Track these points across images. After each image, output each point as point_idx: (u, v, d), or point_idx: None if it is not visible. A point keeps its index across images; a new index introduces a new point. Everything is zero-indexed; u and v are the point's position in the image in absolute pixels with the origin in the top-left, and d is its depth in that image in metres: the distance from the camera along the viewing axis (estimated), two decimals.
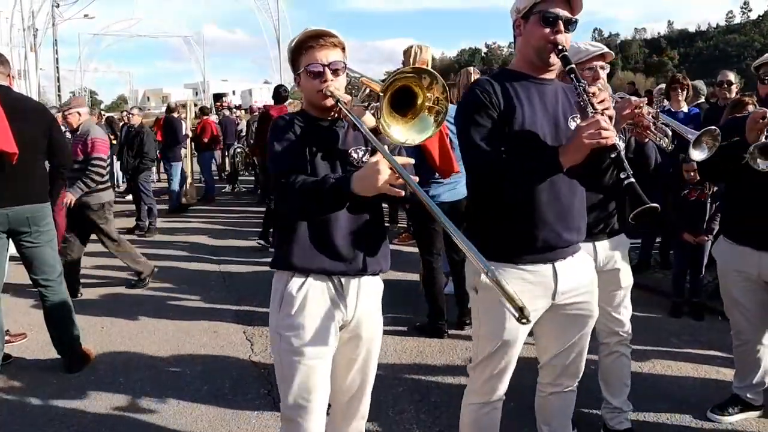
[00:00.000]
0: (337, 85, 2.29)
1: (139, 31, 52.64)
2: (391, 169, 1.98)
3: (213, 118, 15.40)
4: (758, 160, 2.75)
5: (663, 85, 7.68)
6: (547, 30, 2.32)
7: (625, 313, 3.29)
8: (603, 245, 3.13)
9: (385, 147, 2.09)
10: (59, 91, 34.58)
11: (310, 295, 2.31)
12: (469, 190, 2.63)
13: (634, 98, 2.97)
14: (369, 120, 2.26)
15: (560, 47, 2.32)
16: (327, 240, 2.30)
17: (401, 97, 2.06)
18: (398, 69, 2.12)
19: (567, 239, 2.43)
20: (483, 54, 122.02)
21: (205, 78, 53.31)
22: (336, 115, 2.36)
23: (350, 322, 2.40)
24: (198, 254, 7.97)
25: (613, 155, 2.15)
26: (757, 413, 3.54)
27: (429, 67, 3.75)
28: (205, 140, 12.22)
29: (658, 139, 2.98)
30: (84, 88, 56.01)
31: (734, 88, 6.17)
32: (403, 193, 2.04)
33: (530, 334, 2.60)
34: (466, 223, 2.61)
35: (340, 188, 2.08)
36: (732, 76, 6.23)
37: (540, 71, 2.43)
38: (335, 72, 2.30)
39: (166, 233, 9.42)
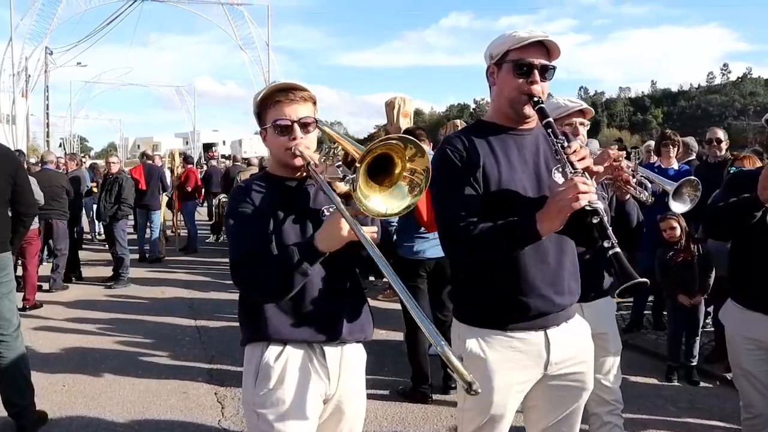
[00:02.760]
0: (307, 143, 2.17)
1: (131, 79, 52.85)
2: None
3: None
4: None
5: (651, 142, 7.63)
6: (521, 80, 2.15)
7: (615, 380, 3.09)
8: (591, 307, 2.92)
9: (343, 207, 1.97)
10: (48, 137, 34.56)
11: (290, 365, 2.11)
12: (447, 255, 2.39)
13: (612, 151, 2.83)
14: (340, 186, 2.08)
15: (536, 98, 2.15)
16: (304, 307, 2.13)
17: (379, 164, 1.90)
18: (384, 137, 1.95)
19: (559, 303, 2.22)
20: (472, 109, 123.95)
21: (195, 127, 53.65)
22: (305, 173, 2.22)
23: (333, 396, 2.20)
24: (174, 307, 7.65)
25: (595, 221, 1.95)
26: None
27: (412, 120, 3.62)
28: (189, 189, 12.04)
29: (638, 193, 2.83)
30: (74, 135, 56.12)
31: (723, 145, 6.12)
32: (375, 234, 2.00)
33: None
34: (451, 287, 2.40)
35: (308, 259, 2.00)
36: (721, 134, 6.18)
37: (517, 123, 2.25)
38: (305, 128, 2.17)
39: (144, 283, 9.10)
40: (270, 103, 2.18)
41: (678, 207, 2.98)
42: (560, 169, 2.15)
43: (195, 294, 8.42)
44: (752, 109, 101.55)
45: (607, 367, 3.05)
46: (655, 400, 4.69)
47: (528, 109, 2.18)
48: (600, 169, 2.18)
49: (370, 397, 4.44)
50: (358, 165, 1.83)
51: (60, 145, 42.76)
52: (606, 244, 1.94)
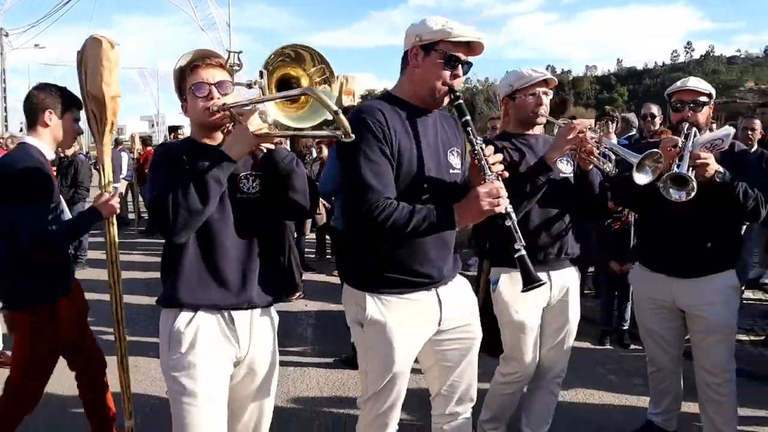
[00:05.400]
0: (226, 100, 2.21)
1: None
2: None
3: None
4: (671, 190, 2.74)
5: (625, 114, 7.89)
6: (447, 72, 2.27)
7: (566, 350, 3.24)
8: (557, 275, 3.09)
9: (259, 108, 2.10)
10: (6, 121, 33.75)
11: (200, 331, 2.20)
12: (350, 222, 2.53)
13: (577, 122, 2.96)
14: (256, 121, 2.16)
15: (456, 94, 2.30)
16: (215, 272, 2.21)
17: (286, 86, 2.13)
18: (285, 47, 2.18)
19: (447, 273, 2.43)
20: None
21: (159, 110, 52.77)
22: (226, 131, 2.25)
23: (245, 358, 2.31)
24: (132, 287, 7.70)
25: (507, 223, 2.15)
26: None
27: (355, 98, 3.73)
28: (147, 170, 11.98)
29: (602, 164, 2.96)
30: None
31: (657, 120, 6.38)
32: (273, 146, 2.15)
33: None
34: (347, 256, 2.51)
35: (219, 165, 2.08)
36: (655, 109, 6.45)
37: (429, 106, 2.38)
38: (221, 89, 2.23)
39: (101, 266, 9.04)
40: (187, 71, 2.23)
41: (641, 178, 3.11)
42: (455, 151, 2.39)
43: (153, 275, 8.47)
44: (714, 87, 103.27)
45: (561, 336, 3.19)
46: (586, 362, 4.94)
47: (446, 100, 2.32)
48: (501, 168, 2.26)
49: (313, 365, 4.70)
50: (263, 79, 2.06)
51: (20, 130, 41.80)
52: (516, 246, 2.15)
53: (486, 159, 2.19)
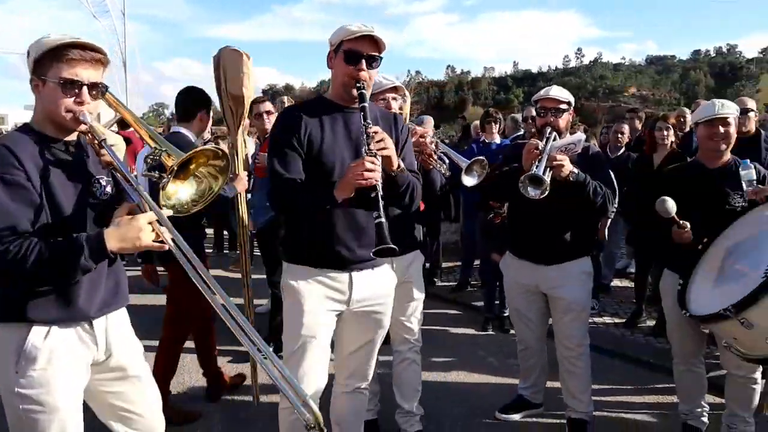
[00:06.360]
0: (91, 108, 2.09)
1: None
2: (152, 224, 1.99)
3: None
4: (529, 188, 3.08)
5: (518, 115, 8.34)
6: (351, 67, 2.56)
7: (416, 322, 3.58)
8: (400, 260, 3.38)
9: (157, 209, 2.02)
10: None
11: (56, 343, 2.07)
12: (271, 206, 2.96)
13: (418, 128, 3.31)
14: (116, 139, 2.24)
15: (359, 84, 2.57)
16: (67, 287, 2.10)
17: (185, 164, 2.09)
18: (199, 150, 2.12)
19: (361, 255, 2.67)
20: None
21: None
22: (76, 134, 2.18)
23: (107, 360, 2.28)
24: None
25: (372, 194, 2.42)
26: (537, 411, 3.98)
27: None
28: None
29: (438, 165, 3.32)
30: None
31: (535, 125, 6.85)
32: (167, 247, 2.00)
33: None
34: (282, 232, 2.85)
35: (95, 258, 1.98)
36: (534, 112, 6.91)
37: (348, 102, 2.66)
38: (93, 91, 2.09)
39: None
40: (59, 55, 2.01)
41: (468, 181, 3.51)
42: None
43: None
44: (602, 92, 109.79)
45: (410, 311, 3.55)
46: (469, 347, 5.36)
47: (355, 92, 2.58)
48: (393, 156, 2.56)
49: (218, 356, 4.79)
50: (169, 174, 1.99)
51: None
52: (374, 214, 2.40)
53: (368, 139, 2.45)
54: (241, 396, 4.29)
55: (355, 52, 2.55)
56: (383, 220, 2.37)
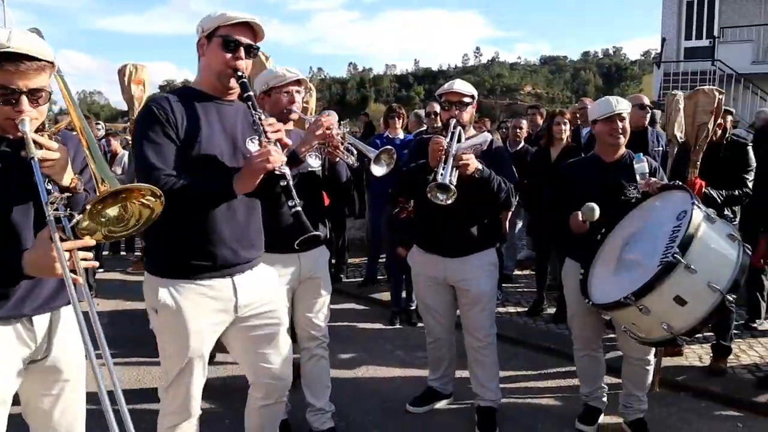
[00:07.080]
0: (35, 115, 1.94)
1: None
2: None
3: None
4: (438, 195, 3.08)
5: (421, 111, 8.41)
6: (228, 55, 2.41)
7: (324, 318, 3.51)
8: (307, 256, 3.32)
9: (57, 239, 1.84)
10: None
11: None
12: None
13: (324, 119, 3.24)
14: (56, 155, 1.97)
15: (240, 73, 2.44)
16: (7, 284, 2.03)
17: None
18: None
19: (244, 256, 2.53)
20: None
21: None
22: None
23: (46, 357, 2.17)
24: None
25: (282, 183, 2.31)
26: (447, 400, 4.03)
27: (146, 88, 3.69)
28: None
29: (346, 157, 3.28)
30: None
31: (440, 118, 6.97)
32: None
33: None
34: (144, 240, 2.58)
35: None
36: (437, 107, 7.02)
37: (222, 93, 2.50)
38: (35, 98, 1.92)
39: None
40: None
41: (377, 170, 3.48)
42: (255, 139, 2.45)
43: None
44: (499, 90, 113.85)
45: (318, 307, 3.47)
46: (377, 341, 5.37)
47: (232, 82, 2.45)
48: (290, 142, 2.49)
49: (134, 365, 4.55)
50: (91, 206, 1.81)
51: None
52: (290, 203, 2.31)
53: (264, 127, 2.35)
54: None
55: (234, 39, 2.41)
56: (300, 208, 2.29)
